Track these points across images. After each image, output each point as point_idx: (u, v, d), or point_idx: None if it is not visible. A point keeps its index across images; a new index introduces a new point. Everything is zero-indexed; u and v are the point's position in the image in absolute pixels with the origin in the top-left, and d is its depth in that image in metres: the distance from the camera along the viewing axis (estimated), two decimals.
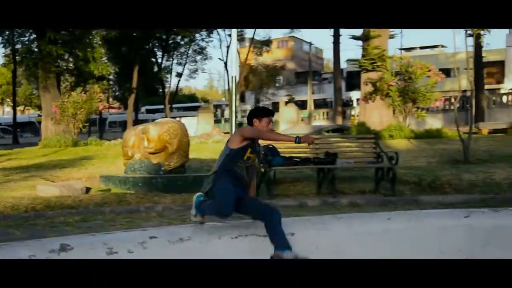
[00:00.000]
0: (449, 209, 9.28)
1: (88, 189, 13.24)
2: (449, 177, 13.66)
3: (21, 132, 54.60)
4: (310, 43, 79.50)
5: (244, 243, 6.24)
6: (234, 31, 23.38)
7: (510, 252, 7.41)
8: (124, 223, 9.36)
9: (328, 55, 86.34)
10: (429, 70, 26.29)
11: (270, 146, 12.80)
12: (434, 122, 39.03)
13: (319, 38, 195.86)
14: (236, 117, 22.14)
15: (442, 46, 67.61)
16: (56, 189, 12.54)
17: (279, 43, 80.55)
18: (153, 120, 17.86)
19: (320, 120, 59.66)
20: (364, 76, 30.63)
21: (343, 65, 57.00)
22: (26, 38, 36.88)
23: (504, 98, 50.18)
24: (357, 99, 49.23)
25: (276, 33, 76.02)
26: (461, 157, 16.68)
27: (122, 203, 11.47)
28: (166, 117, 44.92)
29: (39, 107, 41.63)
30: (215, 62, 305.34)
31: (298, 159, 13.09)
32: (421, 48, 72.13)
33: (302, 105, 63.48)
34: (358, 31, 31.39)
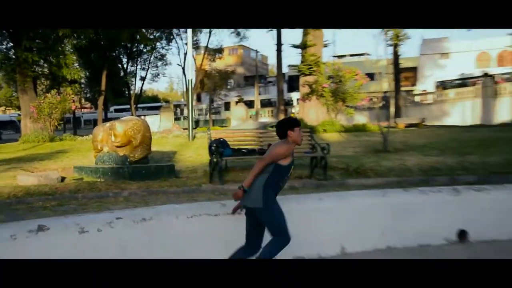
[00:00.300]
0: (370, 190, 9.47)
1: (63, 178, 13.06)
2: (371, 164, 13.89)
3: (3, 130, 53.26)
4: (257, 51, 79.80)
5: (199, 222, 6.32)
6: (189, 40, 23.45)
7: (417, 223, 7.70)
8: (95, 207, 9.27)
9: (272, 61, 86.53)
10: (356, 74, 26.68)
11: (221, 139, 12.96)
12: (360, 118, 39.54)
13: (264, 46, 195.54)
14: (193, 115, 22.18)
15: (367, 54, 68.06)
16: (35, 179, 12.38)
17: (230, 50, 79.99)
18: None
19: (266, 117, 59.64)
20: (302, 80, 30.75)
21: (285, 69, 57.30)
22: (4, 46, 36.28)
23: (417, 98, 51.21)
24: (297, 99, 49.43)
25: (227, 42, 75.75)
26: (381, 147, 16.98)
27: (93, 190, 11.37)
28: (132, 115, 44.53)
29: (18, 108, 40.77)
30: (175, 67, 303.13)
31: (245, 150, 13.14)
32: (351, 55, 72.62)
33: (250, 104, 63.46)
34: (298, 41, 31.36)
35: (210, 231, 6.42)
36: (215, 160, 12.40)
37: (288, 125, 5.73)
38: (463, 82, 51.46)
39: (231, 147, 12.85)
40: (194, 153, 16.91)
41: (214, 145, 12.48)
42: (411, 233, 7.76)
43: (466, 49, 58.54)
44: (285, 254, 5.70)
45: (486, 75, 48.88)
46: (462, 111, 44.17)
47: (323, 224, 7.39)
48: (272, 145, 5.79)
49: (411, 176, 12.53)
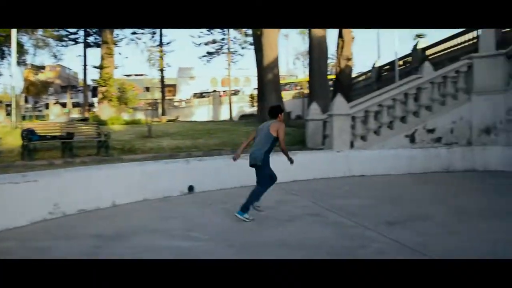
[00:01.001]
0: (134, 162, 9.14)
1: None
2: (139, 145, 13.39)
3: None
4: (69, 68, 74.46)
5: (3, 188, 5.49)
6: (14, 60, 20.71)
7: (163, 183, 7.56)
8: None
9: (81, 76, 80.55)
10: (134, 87, 26.37)
11: (30, 129, 11.59)
12: (139, 115, 38.63)
13: (76, 65, 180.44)
14: (17, 112, 19.64)
15: (146, 75, 66.33)
16: None
17: (50, 67, 72.47)
18: None
19: (75, 114, 55.55)
20: (100, 89, 29.14)
21: (90, 82, 53.86)
22: None
23: (176, 104, 51.70)
24: (97, 102, 46.81)
25: (48, 61, 68.26)
26: (148, 134, 16.50)
27: None
28: None
29: None
30: (8, 77, 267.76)
31: (49, 137, 11.91)
32: (135, 75, 70.21)
33: (64, 105, 58.94)
34: (98, 63, 29.35)
35: (11, 194, 5.61)
36: (25, 143, 11.02)
37: (278, 110, 6.06)
38: (204, 94, 53.29)
39: (40, 134, 11.53)
40: (14, 139, 14.86)
41: (25, 132, 11.13)
42: (159, 189, 7.63)
43: (204, 75, 60.71)
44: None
45: (215, 91, 51.72)
46: (202, 112, 45.98)
47: (99, 185, 6.92)
48: (271, 127, 5.85)
49: (164, 152, 12.34)
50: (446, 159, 10.65)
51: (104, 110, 27.25)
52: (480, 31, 11.99)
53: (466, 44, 18.00)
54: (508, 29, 15.13)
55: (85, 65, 40.79)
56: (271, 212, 6.24)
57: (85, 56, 38.49)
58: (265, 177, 5.92)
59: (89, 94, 56.55)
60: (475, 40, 16.61)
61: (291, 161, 6.15)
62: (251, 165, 5.94)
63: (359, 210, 6.20)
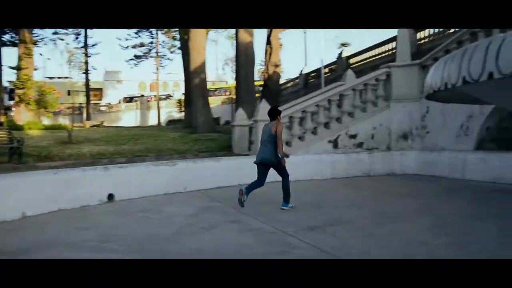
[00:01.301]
0: (52, 169, 8.54)
1: None
2: (57, 151, 12.62)
3: None
4: None
5: None
6: None
7: (80, 191, 7.17)
8: None
9: None
10: (54, 90, 25.10)
11: None
12: (62, 120, 36.84)
13: None
14: None
15: (70, 78, 63.31)
16: None
17: None
18: None
19: None
20: (17, 92, 27.28)
21: (6, 84, 50.22)
22: None
23: (102, 108, 49.89)
24: (14, 106, 43.79)
25: None
26: (68, 140, 15.60)
27: None
28: None
29: None
30: None
31: None
32: (58, 77, 66.62)
33: None
34: (15, 64, 27.31)
35: None
36: None
37: (277, 112, 6.75)
38: (131, 99, 51.99)
39: None
40: None
41: None
42: (76, 198, 7.23)
43: (132, 79, 59.11)
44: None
45: (142, 95, 50.69)
46: (129, 117, 44.74)
47: (6, 195, 6.39)
48: (272, 127, 6.51)
49: (85, 159, 11.73)
50: (367, 163, 11.06)
51: (21, 114, 25.60)
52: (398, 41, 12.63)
53: (386, 54, 18.98)
54: (422, 42, 16.15)
55: (0, 66, 38.28)
56: (192, 220, 6.08)
57: (0, 55, 35.81)
58: (284, 169, 6.56)
59: (5, 96, 52.86)
60: (394, 51, 17.54)
61: (286, 156, 6.65)
62: (264, 164, 6.56)
63: (281, 216, 6.21)
